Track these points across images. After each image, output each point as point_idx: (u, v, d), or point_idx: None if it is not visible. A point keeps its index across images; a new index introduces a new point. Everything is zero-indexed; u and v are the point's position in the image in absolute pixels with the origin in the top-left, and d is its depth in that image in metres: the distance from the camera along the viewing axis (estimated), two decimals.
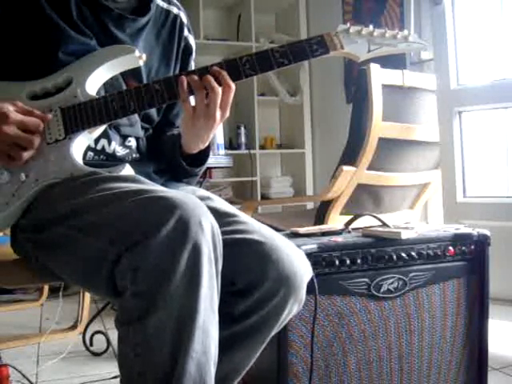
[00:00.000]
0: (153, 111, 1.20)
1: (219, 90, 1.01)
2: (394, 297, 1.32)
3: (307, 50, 1.07)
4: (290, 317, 1.02)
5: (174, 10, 1.26)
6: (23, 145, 0.99)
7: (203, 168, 1.21)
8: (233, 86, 1.03)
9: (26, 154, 1.00)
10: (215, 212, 0.88)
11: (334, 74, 3.44)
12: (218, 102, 1.02)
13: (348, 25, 1.10)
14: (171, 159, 1.18)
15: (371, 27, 1.11)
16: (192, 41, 1.30)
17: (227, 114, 1.05)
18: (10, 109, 0.98)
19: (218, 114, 1.03)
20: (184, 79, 1.02)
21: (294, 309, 1.01)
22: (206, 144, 1.13)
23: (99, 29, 1.13)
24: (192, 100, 1.05)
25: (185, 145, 1.14)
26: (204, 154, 1.16)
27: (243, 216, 1.06)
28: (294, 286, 0.97)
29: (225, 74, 1.02)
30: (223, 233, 0.88)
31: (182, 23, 1.27)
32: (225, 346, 0.89)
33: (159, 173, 1.20)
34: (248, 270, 0.96)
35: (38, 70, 1.08)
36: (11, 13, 1.09)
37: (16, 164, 1.01)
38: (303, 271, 1.00)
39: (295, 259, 1.00)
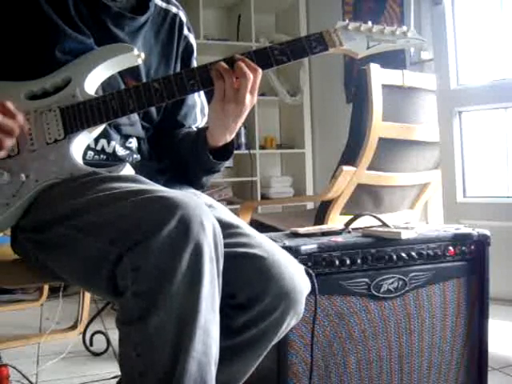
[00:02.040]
0: (153, 110, 1.19)
1: (250, 75, 1.03)
2: (394, 297, 1.32)
3: (306, 47, 1.07)
4: (288, 330, 1.03)
5: (173, 9, 1.26)
6: None
7: (225, 164, 1.19)
8: (260, 70, 1.05)
9: None
10: (218, 222, 0.88)
11: (334, 74, 3.44)
12: (249, 86, 1.03)
13: (347, 21, 1.09)
14: (191, 155, 1.16)
15: (370, 23, 1.10)
16: (192, 39, 1.29)
17: (255, 99, 1.07)
18: None
19: (248, 98, 1.04)
20: (219, 66, 1.03)
21: (292, 322, 1.01)
22: (233, 135, 1.12)
23: (97, 27, 1.13)
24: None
25: (211, 136, 1.12)
26: (229, 149, 1.14)
27: (245, 227, 1.05)
28: (294, 302, 0.98)
29: (249, 61, 1.04)
30: (225, 245, 0.88)
31: (181, 22, 1.26)
32: (223, 357, 0.88)
33: (160, 173, 1.20)
34: (249, 284, 0.96)
35: (35, 68, 1.07)
36: (7, 10, 1.08)
37: None
38: (303, 287, 1.01)
39: (295, 275, 1.00)
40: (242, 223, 1.07)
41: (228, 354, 0.96)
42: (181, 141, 1.22)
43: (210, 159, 1.13)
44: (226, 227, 1.00)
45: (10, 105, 0.99)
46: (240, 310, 0.98)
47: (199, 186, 1.24)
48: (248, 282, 0.96)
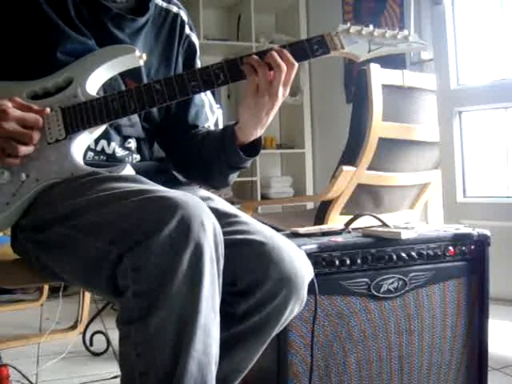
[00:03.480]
0: (154, 110, 1.19)
1: (284, 67, 1.02)
2: (394, 297, 1.32)
3: (308, 50, 1.07)
4: (291, 317, 1.02)
5: (174, 9, 1.25)
6: (23, 140, 0.99)
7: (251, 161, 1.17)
8: (296, 63, 1.04)
9: (25, 149, 0.99)
10: (216, 212, 0.88)
11: (334, 74, 3.44)
12: (282, 78, 1.03)
13: (348, 24, 1.09)
14: (217, 153, 1.14)
15: (371, 27, 1.10)
16: (195, 38, 1.29)
17: (287, 92, 1.06)
18: (8, 105, 0.97)
19: (281, 91, 1.04)
20: (252, 58, 1.03)
21: (295, 309, 1.01)
22: (263, 130, 1.11)
23: (98, 28, 1.13)
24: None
25: (241, 131, 1.10)
26: (256, 144, 1.13)
27: (244, 216, 1.05)
28: (296, 287, 0.97)
29: (287, 53, 1.04)
30: (224, 233, 0.88)
31: (182, 21, 1.26)
32: (226, 346, 0.88)
33: (160, 173, 1.20)
34: (249, 270, 0.96)
35: (37, 69, 1.08)
36: (8, 11, 1.09)
37: (12, 162, 1.00)
38: (304, 272, 1.00)
39: (296, 260, 0.99)
40: (241, 213, 1.07)
41: (231, 343, 0.96)
42: (202, 140, 1.20)
43: (241, 155, 1.11)
44: (225, 217, 1.00)
45: (20, 99, 0.99)
46: (241, 296, 0.97)
47: (225, 184, 1.23)
48: (248, 268, 0.96)
